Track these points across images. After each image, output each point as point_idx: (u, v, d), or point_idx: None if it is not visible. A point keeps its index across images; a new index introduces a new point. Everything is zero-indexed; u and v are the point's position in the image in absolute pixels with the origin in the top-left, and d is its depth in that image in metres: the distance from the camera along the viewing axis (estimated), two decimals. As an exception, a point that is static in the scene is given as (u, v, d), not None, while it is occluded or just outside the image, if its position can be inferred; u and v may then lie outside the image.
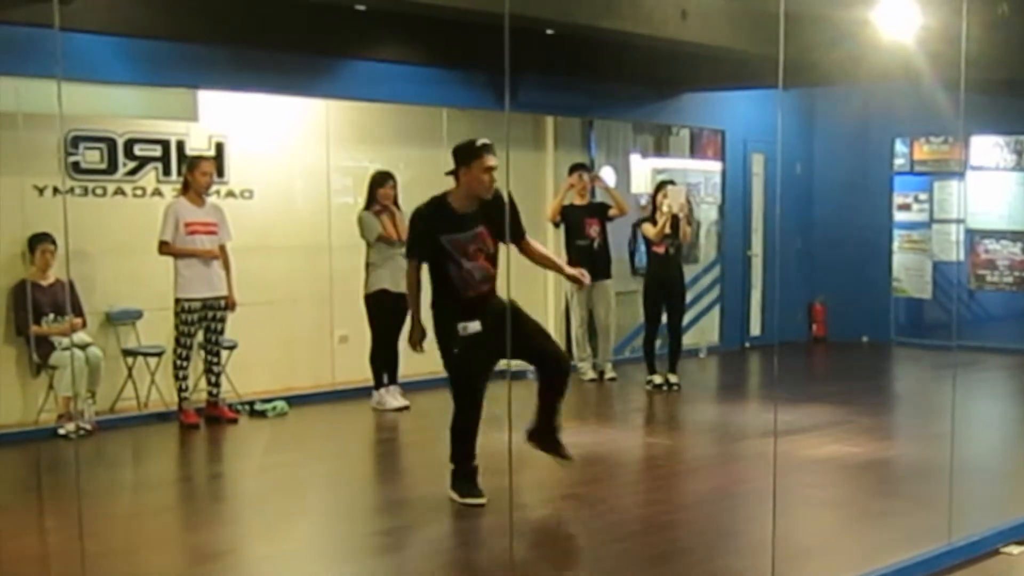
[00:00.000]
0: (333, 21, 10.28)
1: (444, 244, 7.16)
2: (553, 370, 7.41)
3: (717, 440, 9.88)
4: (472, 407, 7.23)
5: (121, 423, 9.97)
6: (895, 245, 15.86)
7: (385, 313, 10.49)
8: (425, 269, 7.39)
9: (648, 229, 11.58)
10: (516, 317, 6.96)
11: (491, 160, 7.15)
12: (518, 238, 7.37)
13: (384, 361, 10.66)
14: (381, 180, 10.62)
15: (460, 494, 7.33)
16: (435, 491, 7.71)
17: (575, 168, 12.20)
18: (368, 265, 10.51)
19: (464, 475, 7.36)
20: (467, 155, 7.18)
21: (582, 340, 12.28)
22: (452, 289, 7.22)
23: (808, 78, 11.81)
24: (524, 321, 7.25)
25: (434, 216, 7.25)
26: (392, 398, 10.64)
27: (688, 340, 13.19)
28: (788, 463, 8.07)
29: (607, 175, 13.48)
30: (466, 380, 7.22)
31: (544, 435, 7.58)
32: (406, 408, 10.60)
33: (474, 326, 7.12)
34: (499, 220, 7.02)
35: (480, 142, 7.21)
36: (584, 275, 7.91)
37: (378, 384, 10.66)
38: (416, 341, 7.49)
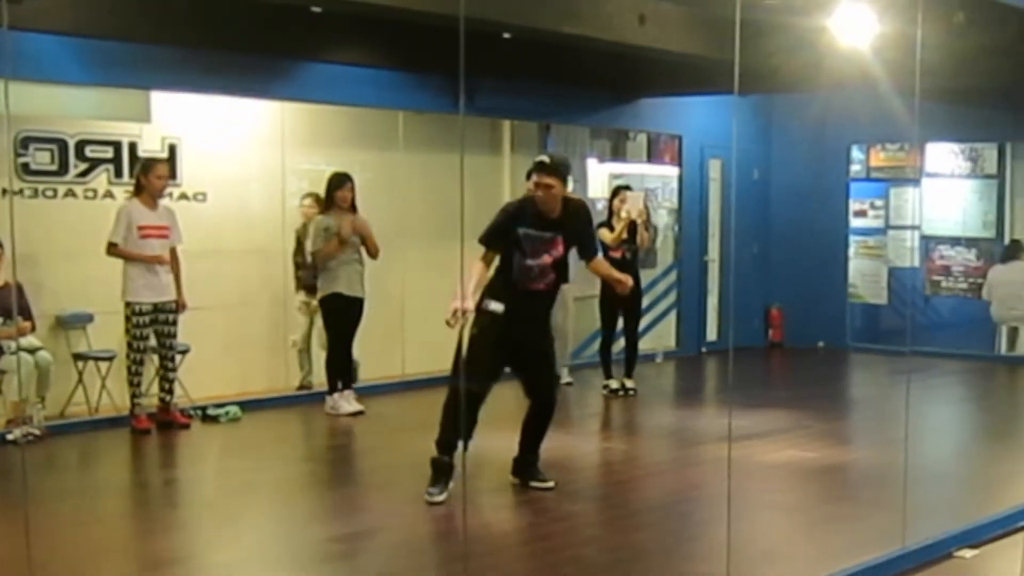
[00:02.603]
0: (289, 23, 10.19)
1: (519, 235, 7.55)
2: (540, 407, 7.85)
3: (673, 445, 9.86)
4: (470, 392, 7.33)
5: (71, 428, 9.81)
6: (851, 251, 15.92)
7: (340, 317, 10.41)
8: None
9: (605, 234, 11.54)
10: (540, 341, 7.73)
11: (543, 178, 7.52)
12: (589, 256, 7.99)
13: (340, 366, 10.57)
14: (339, 182, 10.50)
15: (430, 483, 7.42)
16: (389, 496, 7.67)
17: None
18: (323, 269, 10.42)
19: (437, 466, 7.46)
20: (531, 169, 7.87)
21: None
22: (508, 279, 7.60)
23: (765, 84, 11.80)
24: (542, 351, 7.79)
25: (520, 210, 7.68)
26: (346, 403, 10.54)
27: (645, 345, 13.18)
28: (744, 468, 8.10)
29: (564, 180, 13.44)
30: (473, 365, 7.25)
31: (525, 467, 7.93)
32: (361, 413, 10.52)
33: (497, 306, 7.51)
34: (576, 234, 7.71)
35: (538, 159, 7.69)
36: (626, 280, 8.33)
37: (332, 389, 10.57)
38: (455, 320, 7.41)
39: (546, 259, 7.58)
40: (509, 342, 7.50)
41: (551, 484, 7.84)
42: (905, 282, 15.86)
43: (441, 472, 7.43)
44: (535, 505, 7.59)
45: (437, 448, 7.46)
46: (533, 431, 7.90)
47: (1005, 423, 10.95)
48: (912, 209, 15.84)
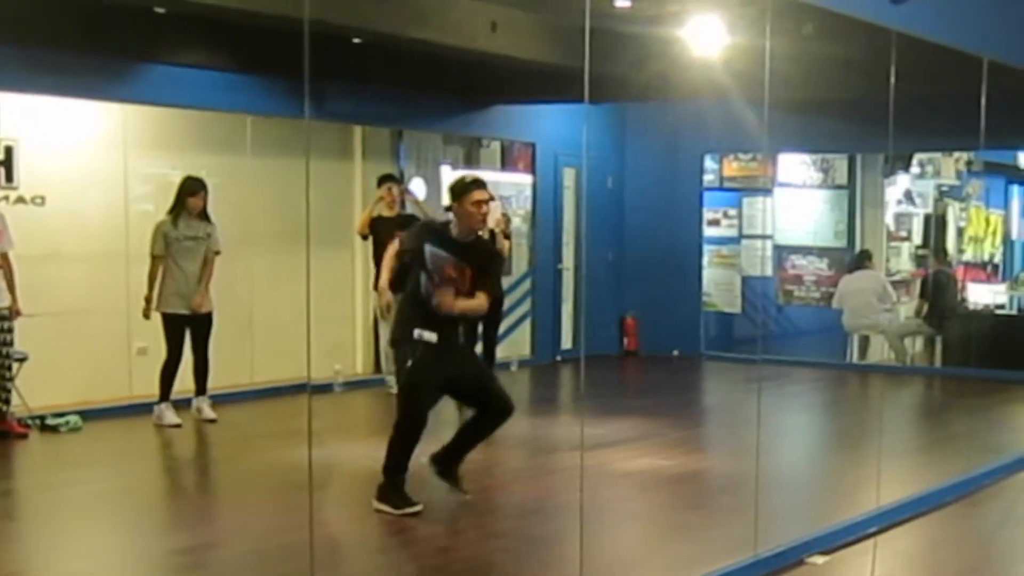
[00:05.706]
0: (132, 23, 9.93)
1: (427, 254, 7.33)
2: (496, 413, 7.62)
3: (528, 454, 9.79)
4: (414, 423, 7.31)
5: (-98, 439, 9.43)
6: (705, 260, 16.05)
7: (180, 330, 10.17)
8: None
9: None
10: (474, 365, 7.88)
11: (481, 194, 7.42)
12: (483, 290, 7.50)
13: (171, 377, 10.27)
14: (192, 188, 10.20)
15: (394, 506, 7.25)
16: (237, 507, 7.49)
17: (384, 180, 11.98)
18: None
19: (396, 488, 7.31)
20: (459, 191, 7.46)
21: (391, 354, 12.06)
22: (420, 297, 7.38)
23: (618, 93, 11.84)
24: (480, 372, 7.90)
25: (433, 230, 7.58)
26: (170, 414, 10.21)
27: (500, 353, 13.09)
28: (598, 476, 8.06)
29: (417, 187, 13.32)
30: (414, 394, 7.35)
31: (449, 464, 7.69)
32: (178, 426, 10.18)
33: (430, 336, 7.31)
34: (483, 265, 7.46)
35: (470, 178, 7.57)
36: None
37: (161, 399, 10.26)
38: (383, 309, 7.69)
39: (452, 289, 7.47)
40: (442, 375, 7.46)
41: (467, 493, 7.71)
42: (758, 291, 16.07)
43: (402, 488, 7.32)
44: (386, 516, 7.43)
45: (391, 475, 7.31)
46: (474, 435, 7.73)
47: (856, 430, 11.07)
48: (765, 219, 16.04)
